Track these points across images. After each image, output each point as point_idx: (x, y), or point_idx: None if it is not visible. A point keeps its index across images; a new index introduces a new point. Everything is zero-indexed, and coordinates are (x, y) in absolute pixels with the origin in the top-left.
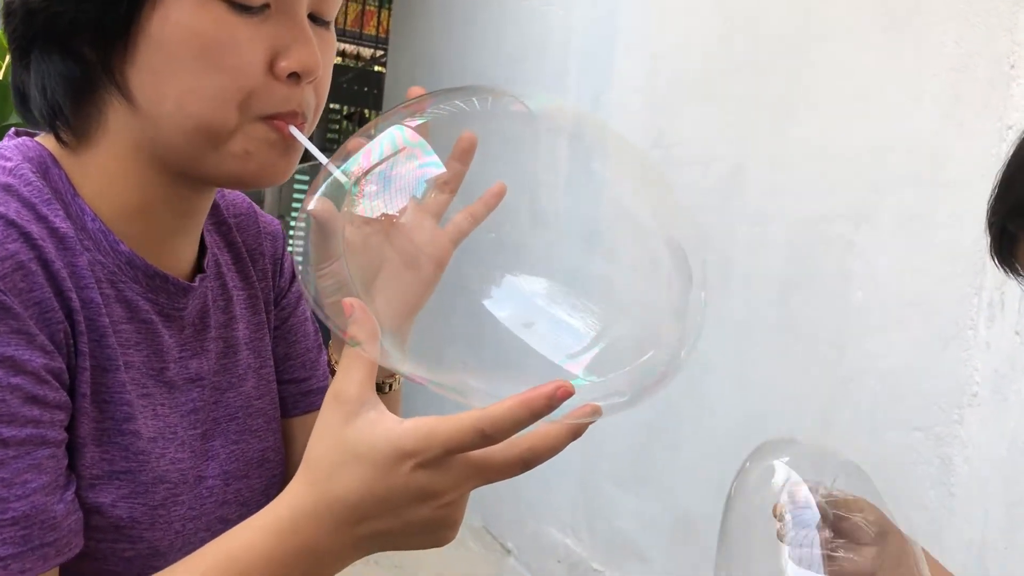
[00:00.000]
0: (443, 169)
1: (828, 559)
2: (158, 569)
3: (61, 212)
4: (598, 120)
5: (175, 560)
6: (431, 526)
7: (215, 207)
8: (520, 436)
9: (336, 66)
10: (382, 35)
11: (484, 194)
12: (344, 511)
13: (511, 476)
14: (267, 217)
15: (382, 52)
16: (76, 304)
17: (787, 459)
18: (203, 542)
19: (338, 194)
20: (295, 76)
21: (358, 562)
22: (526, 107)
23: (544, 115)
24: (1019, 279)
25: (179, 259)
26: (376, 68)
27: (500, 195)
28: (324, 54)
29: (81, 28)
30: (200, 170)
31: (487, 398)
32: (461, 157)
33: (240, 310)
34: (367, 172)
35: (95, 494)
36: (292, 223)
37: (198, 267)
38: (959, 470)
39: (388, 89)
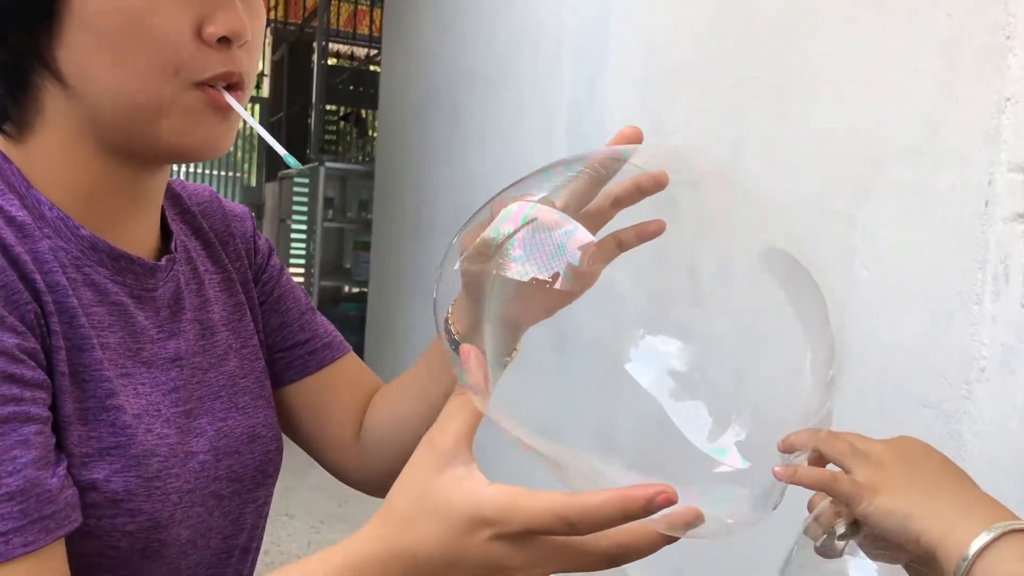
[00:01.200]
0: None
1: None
2: (161, 543)
3: (17, 203)
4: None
5: (178, 534)
6: None
7: (178, 198)
8: (614, 531)
9: (330, 67)
10: (375, 34)
11: (642, 225)
12: (412, 563)
13: (592, 569)
14: (231, 203)
15: (376, 51)
16: (42, 286)
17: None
18: (199, 517)
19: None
20: (225, 41)
21: None
22: (639, 168)
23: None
24: None
25: (141, 241)
26: (371, 67)
27: (657, 232)
28: (252, 20)
29: (6, 14)
30: (143, 146)
31: (585, 483)
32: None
33: (214, 293)
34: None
35: (88, 471)
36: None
37: (165, 251)
38: (969, 445)
39: (383, 88)
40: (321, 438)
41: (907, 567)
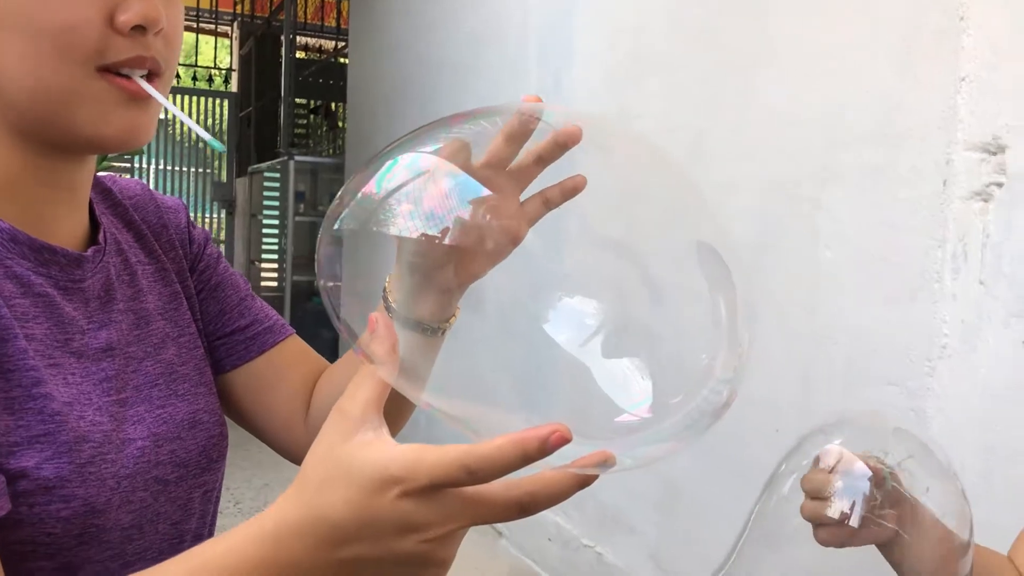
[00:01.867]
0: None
1: (864, 519)
2: (99, 528)
3: None
4: (620, 127)
5: (117, 519)
6: (414, 561)
7: (108, 192)
8: (522, 478)
9: (299, 60)
10: (343, 26)
11: (564, 182)
12: (327, 530)
13: (506, 520)
14: (164, 196)
15: (344, 43)
16: None
17: (840, 440)
18: (143, 502)
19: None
20: (140, 30)
21: None
22: (546, 123)
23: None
24: None
25: (68, 233)
26: (340, 60)
27: (578, 189)
28: (169, 7)
29: None
30: (60, 137)
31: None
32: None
33: (148, 283)
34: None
35: (17, 460)
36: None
37: (94, 243)
38: (933, 421)
39: (351, 80)
40: (269, 421)
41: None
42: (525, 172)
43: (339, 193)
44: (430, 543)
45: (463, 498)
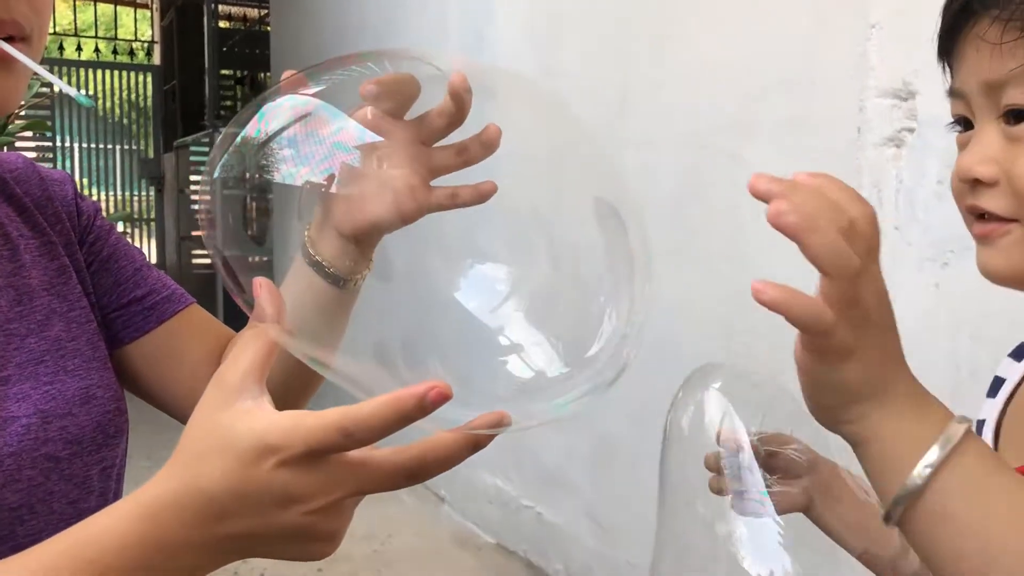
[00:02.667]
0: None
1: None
2: None
3: None
4: (509, 72)
5: (3, 498)
6: (299, 535)
7: None
8: (412, 443)
9: (222, 30)
10: None
11: (482, 137)
12: (204, 504)
13: (394, 488)
14: (49, 169)
15: (267, 11)
16: None
17: (716, 391)
18: (31, 480)
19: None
20: None
21: None
22: (437, 68)
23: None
24: (946, 74)
25: None
26: (265, 28)
27: (495, 142)
28: None
29: None
30: None
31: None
32: (485, 145)
33: (32, 258)
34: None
35: None
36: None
37: None
38: None
39: (274, 48)
40: (173, 393)
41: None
42: (426, 124)
43: (219, 139)
44: (314, 515)
45: (345, 465)
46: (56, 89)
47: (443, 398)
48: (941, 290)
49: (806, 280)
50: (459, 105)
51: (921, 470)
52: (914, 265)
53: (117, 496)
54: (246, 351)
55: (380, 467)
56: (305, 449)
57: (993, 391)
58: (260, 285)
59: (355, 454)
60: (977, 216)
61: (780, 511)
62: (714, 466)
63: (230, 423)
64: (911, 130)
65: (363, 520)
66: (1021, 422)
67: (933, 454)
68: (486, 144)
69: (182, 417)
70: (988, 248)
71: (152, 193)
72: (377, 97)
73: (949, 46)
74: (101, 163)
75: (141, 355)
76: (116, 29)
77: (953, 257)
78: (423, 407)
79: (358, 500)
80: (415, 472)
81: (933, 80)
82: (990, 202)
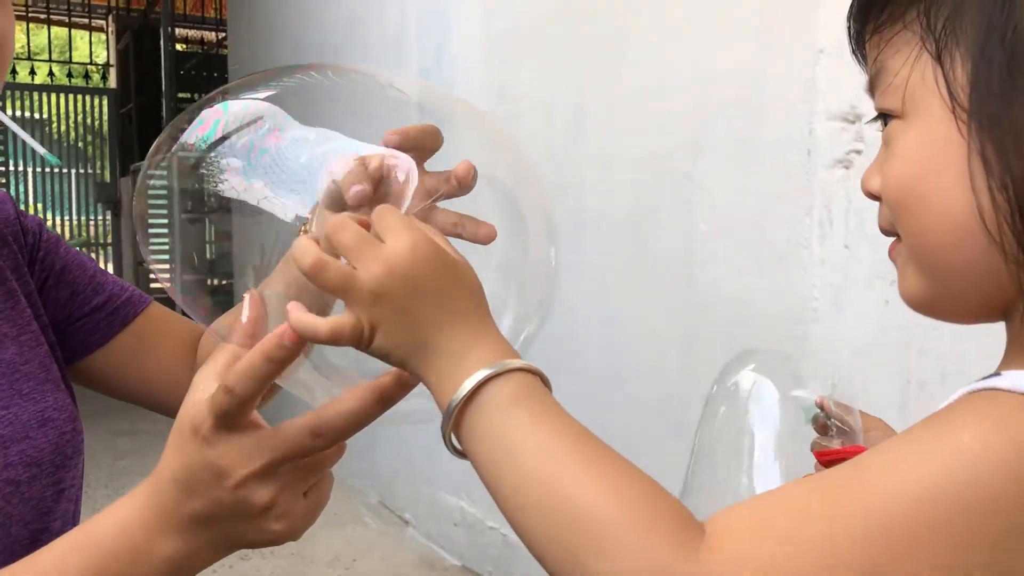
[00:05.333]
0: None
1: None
2: None
3: None
4: (440, 88)
5: None
6: (242, 513)
7: None
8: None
9: (179, 53)
10: (223, 17)
11: (457, 174)
12: (168, 488)
13: (307, 451)
14: None
15: (224, 34)
16: None
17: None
18: None
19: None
20: None
21: (256, 552)
22: (373, 79)
23: (388, 87)
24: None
25: None
26: (223, 51)
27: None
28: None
29: None
30: None
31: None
32: (461, 183)
33: None
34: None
35: None
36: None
37: None
38: (809, 385)
39: (231, 70)
40: (152, 388)
41: None
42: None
43: (157, 142)
44: (243, 489)
45: (252, 432)
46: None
47: (296, 338)
48: (890, 307)
49: (756, 298)
50: (464, 188)
51: (465, 384)
52: (864, 283)
53: (76, 517)
54: (216, 357)
55: (285, 429)
56: (212, 420)
57: None
58: (250, 298)
59: (263, 424)
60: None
61: None
62: (823, 428)
63: (182, 411)
64: (859, 152)
65: (328, 545)
66: None
67: (480, 374)
68: (462, 184)
69: (168, 410)
70: (898, 275)
71: (109, 218)
72: (399, 147)
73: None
74: (56, 188)
75: (114, 358)
76: (71, 52)
77: None
78: (283, 346)
79: (299, 481)
80: (319, 429)
81: None
82: (880, 217)
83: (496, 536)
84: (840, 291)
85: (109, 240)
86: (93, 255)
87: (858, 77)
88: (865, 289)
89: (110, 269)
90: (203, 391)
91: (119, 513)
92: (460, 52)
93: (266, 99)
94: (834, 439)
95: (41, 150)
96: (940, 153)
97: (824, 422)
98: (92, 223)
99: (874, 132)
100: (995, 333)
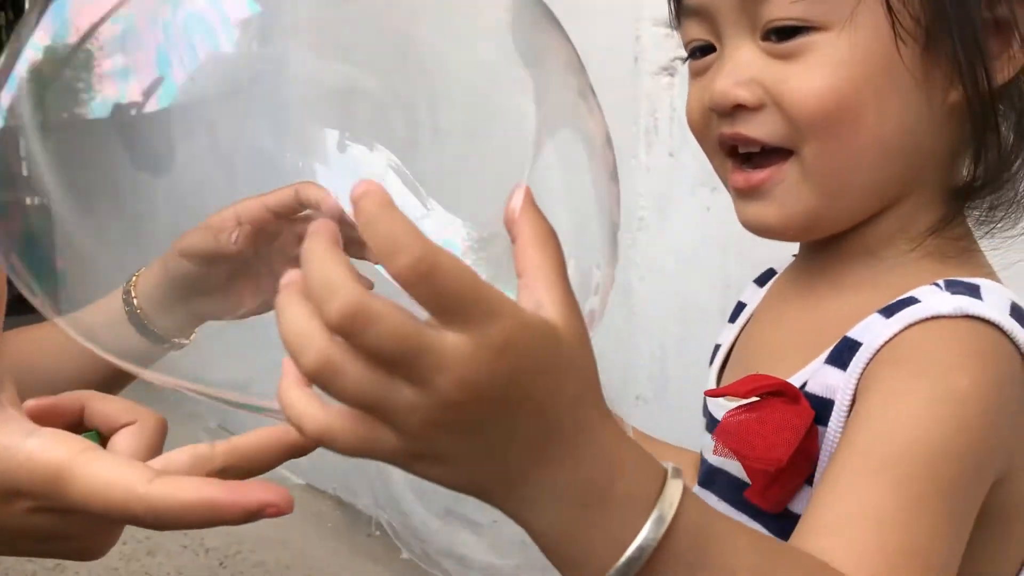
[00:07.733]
0: None
1: None
2: None
3: None
4: None
5: None
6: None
7: None
8: None
9: None
10: None
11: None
12: None
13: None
14: None
15: None
16: None
17: None
18: None
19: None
20: None
21: None
22: None
23: None
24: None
25: None
26: None
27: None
28: None
29: None
30: None
31: None
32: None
33: None
34: None
35: None
36: None
37: None
38: (636, 290)
39: None
40: None
41: None
42: None
43: None
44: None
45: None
46: None
47: None
48: (711, 213)
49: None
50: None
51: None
52: (687, 190)
53: None
54: None
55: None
56: None
57: (734, 316)
58: None
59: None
60: (739, 161)
61: None
62: None
63: None
64: (683, 59)
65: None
66: (748, 348)
67: (645, 537)
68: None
69: None
70: (758, 201)
71: None
72: None
73: None
74: None
75: None
76: None
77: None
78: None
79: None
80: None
81: None
82: (758, 129)
83: None
84: (665, 199)
85: None
86: None
87: None
88: (688, 195)
89: None
90: None
91: None
92: None
93: None
94: None
95: None
96: (879, 70)
97: None
98: None
99: None
100: None
